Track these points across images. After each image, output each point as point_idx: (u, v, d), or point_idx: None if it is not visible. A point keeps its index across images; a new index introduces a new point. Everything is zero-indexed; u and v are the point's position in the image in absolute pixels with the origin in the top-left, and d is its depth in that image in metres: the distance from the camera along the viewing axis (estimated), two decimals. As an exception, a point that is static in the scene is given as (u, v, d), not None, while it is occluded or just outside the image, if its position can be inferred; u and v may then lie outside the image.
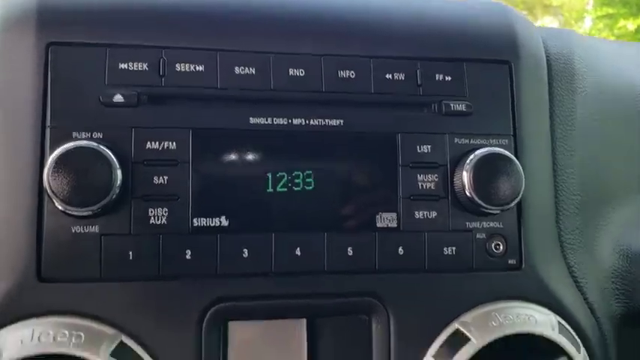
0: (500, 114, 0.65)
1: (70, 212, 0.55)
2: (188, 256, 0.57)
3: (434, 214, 0.62)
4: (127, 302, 0.57)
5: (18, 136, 0.56)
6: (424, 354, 0.61)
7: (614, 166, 0.75)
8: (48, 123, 0.56)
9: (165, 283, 0.57)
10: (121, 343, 0.55)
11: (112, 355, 0.54)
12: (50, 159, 0.54)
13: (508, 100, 0.65)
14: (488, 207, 0.61)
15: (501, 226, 0.63)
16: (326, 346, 0.77)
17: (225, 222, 0.58)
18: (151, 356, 0.56)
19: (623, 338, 0.71)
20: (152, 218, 0.57)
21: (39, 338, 0.53)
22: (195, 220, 0.57)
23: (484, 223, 0.63)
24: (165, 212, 0.57)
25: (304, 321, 0.80)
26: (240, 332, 0.77)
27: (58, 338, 0.53)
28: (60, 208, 0.55)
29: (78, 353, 0.53)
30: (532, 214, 0.65)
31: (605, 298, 0.70)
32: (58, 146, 0.54)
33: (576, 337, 0.64)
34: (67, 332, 0.54)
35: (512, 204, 0.61)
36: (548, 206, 0.67)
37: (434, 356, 0.60)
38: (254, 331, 0.79)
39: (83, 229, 0.56)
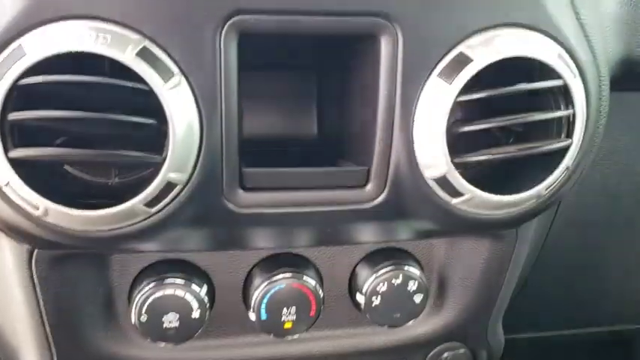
0: None
1: None
2: None
3: None
4: (148, 9, 0.59)
5: None
6: (430, 74, 0.65)
7: None
8: None
9: None
10: (145, 47, 0.58)
11: (138, 55, 0.57)
12: None
13: None
14: None
15: None
16: (334, 89, 0.82)
17: None
18: (173, 61, 0.59)
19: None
20: None
21: (67, 38, 0.56)
22: None
23: None
24: None
25: (314, 73, 0.84)
26: (254, 82, 0.81)
27: (86, 38, 0.56)
28: None
29: (105, 52, 0.56)
30: None
31: (605, 39, 0.72)
32: None
33: (574, 66, 0.68)
34: (94, 33, 0.57)
35: None
36: None
37: (438, 75, 0.64)
38: (267, 80, 0.83)
39: None
